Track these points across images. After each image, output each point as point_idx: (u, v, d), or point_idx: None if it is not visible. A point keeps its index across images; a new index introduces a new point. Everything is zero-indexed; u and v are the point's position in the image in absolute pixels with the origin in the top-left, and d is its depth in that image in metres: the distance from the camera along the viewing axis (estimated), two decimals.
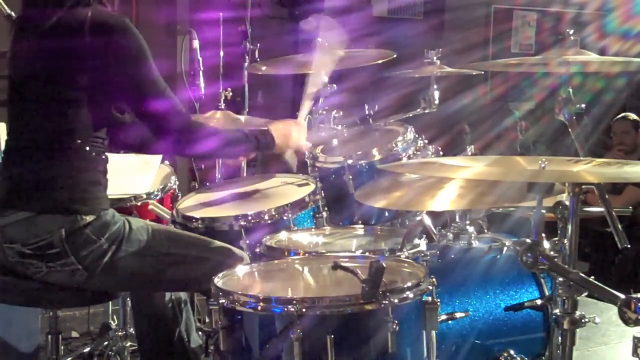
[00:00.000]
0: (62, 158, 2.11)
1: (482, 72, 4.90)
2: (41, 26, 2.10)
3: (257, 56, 3.69)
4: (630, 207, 2.49)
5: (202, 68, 3.60)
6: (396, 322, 1.72)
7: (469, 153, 2.56)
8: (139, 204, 2.88)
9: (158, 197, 2.93)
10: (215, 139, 2.29)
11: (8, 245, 2.10)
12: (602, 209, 1.88)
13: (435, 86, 3.08)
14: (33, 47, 2.13)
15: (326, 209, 2.65)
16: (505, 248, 2.47)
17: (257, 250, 2.31)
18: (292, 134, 2.51)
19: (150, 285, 2.31)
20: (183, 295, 2.45)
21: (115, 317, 3.41)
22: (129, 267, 2.16)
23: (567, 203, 1.71)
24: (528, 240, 1.64)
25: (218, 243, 2.30)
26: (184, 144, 2.24)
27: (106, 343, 3.16)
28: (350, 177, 2.73)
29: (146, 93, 2.14)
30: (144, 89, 2.14)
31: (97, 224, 2.12)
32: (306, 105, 2.63)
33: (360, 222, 2.69)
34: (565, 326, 1.71)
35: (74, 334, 3.73)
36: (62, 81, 2.09)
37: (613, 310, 1.48)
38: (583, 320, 1.71)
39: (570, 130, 2.30)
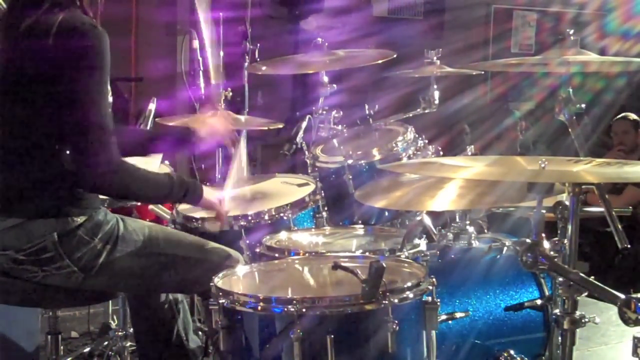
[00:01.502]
0: (48, 161, 2.07)
1: (482, 72, 4.91)
2: (18, 28, 2.06)
3: (257, 56, 3.69)
4: (630, 207, 2.47)
5: (202, 68, 3.60)
6: (396, 322, 1.72)
7: (469, 153, 2.56)
8: (138, 203, 2.87)
9: None
10: (136, 179, 2.12)
11: (1, 252, 2.09)
12: (602, 209, 1.88)
13: (435, 86, 3.08)
14: (11, 49, 2.10)
15: (326, 209, 2.65)
16: (505, 248, 2.47)
17: (257, 250, 2.31)
18: (219, 197, 2.33)
19: (147, 286, 2.30)
20: (180, 295, 2.45)
21: (115, 317, 3.41)
22: (125, 268, 2.15)
23: (567, 203, 1.71)
24: (528, 240, 1.64)
25: (213, 244, 2.30)
26: (98, 172, 2.04)
27: (106, 343, 3.16)
28: (350, 177, 2.73)
29: (81, 104, 2.01)
30: (83, 98, 2.02)
31: (90, 225, 2.11)
32: (232, 178, 2.44)
33: (360, 222, 2.69)
34: (565, 326, 1.71)
35: (74, 334, 3.73)
36: (38, 84, 2.04)
37: (613, 310, 1.48)
38: (583, 320, 1.71)
39: (570, 130, 2.30)
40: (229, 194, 2.38)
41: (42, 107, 2.05)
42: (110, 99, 2.20)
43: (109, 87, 2.15)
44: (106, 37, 2.05)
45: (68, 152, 2.05)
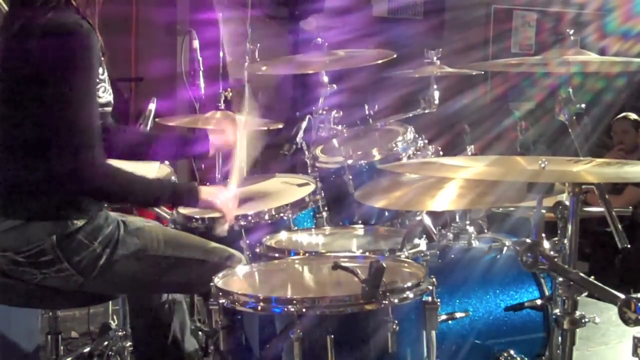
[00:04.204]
0: (45, 163, 2.03)
1: (482, 72, 4.91)
2: (11, 29, 2.04)
3: (257, 56, 3.69)
4: (630, 207, 2.47)
5: (202, 68, 3.60)
6: (396, 322, 1.72)
7: (469, 153, 2.56)
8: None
9: None
10: (121, 182, 2.09)
11: (0, 253, 2.08)
12: (602, 209, 1.88)
13: (435, 86, 3.08)
14: (5, 50, 2.08)
15: (326, 209, 2.65)
16: (505, 248, 2.48)
17: (257, 250, 2.31)
18: (220, 196, 2.28)
19: (147, 288, 2.30)
20: (178, 296, 2.44)
21: (115, 317, 3.41)
22: (125, 271, 2.15)
23: (567, 203, 1.71)
24: (528, 240, 1.64)
25: (215, 244, 2.29)
26: (81, 175, 2.00)
27: (106, 343, 3.16)
28: (350, 177, 2.73)
29: (68, 105, 1.99)
30: (69, 99, 1.99)
31: (89, 228, 2.09)
32: (235, 175, 2.41)
33: (360, 222, 2.69)
34: (565, 326, 1.71)
35: (74, 334, 3.73)
36: (30, 85, 2.01)
37: (613, 310, 1.48)
38: (583, 320, 1.71)
39: (570, 130, 2.30)
40: (234, 191, 2.36)
41: (35, 109, 2.02)
42: (109, 98, 2.18)
43: (107, 85, 2.13)
44: (92, 36, 2.01)
45: (51, 153, 2.01)
